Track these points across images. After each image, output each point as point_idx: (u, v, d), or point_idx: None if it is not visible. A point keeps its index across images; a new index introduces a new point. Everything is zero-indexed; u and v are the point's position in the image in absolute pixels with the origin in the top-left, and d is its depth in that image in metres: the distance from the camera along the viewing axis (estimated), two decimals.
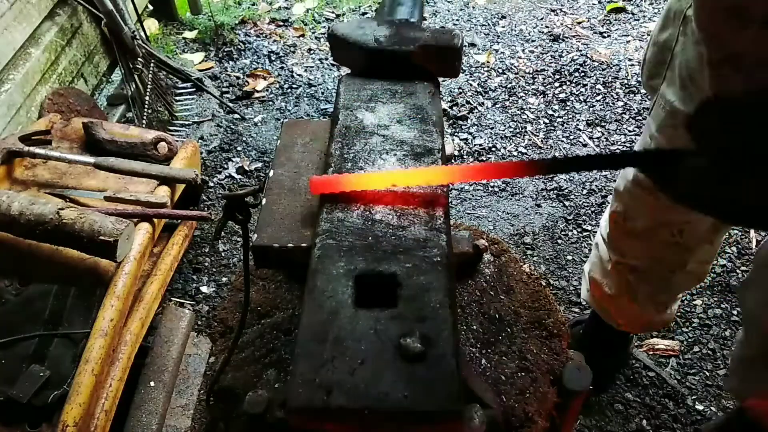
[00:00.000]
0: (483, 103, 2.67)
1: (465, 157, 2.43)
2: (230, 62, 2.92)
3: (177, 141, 1.80)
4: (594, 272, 1.54)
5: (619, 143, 2.46)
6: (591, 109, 2.62)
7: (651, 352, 1.81)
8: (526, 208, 2.25)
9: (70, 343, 1.31)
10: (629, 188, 1.33)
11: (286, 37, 3.09)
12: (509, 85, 2.75)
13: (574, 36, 3.02)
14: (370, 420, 0.57)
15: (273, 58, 2.95)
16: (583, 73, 2.79)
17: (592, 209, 2.22)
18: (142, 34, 2.46)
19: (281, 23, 3.18)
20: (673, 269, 1.39)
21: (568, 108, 2.63)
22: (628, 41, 2.97)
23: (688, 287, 1.51)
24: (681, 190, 0.63)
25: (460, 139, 2.51)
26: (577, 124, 2.55)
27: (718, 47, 0.95)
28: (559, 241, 2.13)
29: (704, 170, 0.60)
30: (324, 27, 3.15)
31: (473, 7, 3.27)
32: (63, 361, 1.28)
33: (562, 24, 3.10)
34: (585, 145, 2.46)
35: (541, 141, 2.49)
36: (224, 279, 2.02)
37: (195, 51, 2.98)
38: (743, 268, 2.00)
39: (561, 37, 3.01)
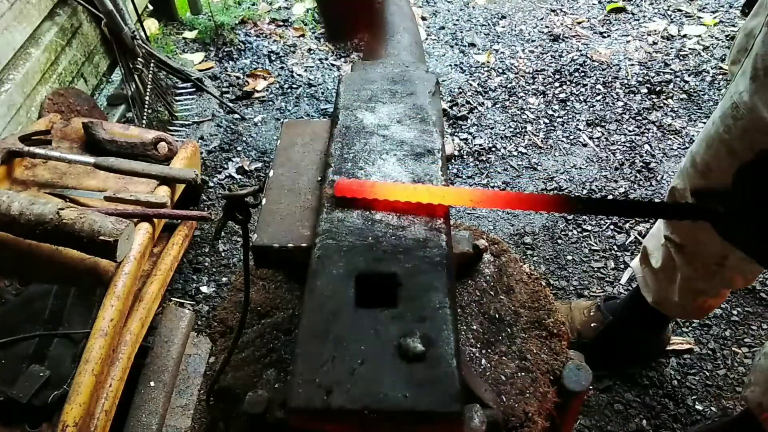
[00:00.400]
0: (483, 103, 2.67)
1: (465, 157, 2.43)
2: (230, 62, 2.92)
3: (177, 141, 1.80)
4: (649, 242, 1.56)
5: (619, 143, 2.46)
6: (591, 109, 2.62)
7: (669, 350, 1.81)
8: None
9: (70, 343, 1.31)
10: (687, 166, 1.35)
11: (286, 37, 3.09)
12: (509, 85, 2.75)
13: (574, 36, 3.02)
14: (370, 420, 0.57)
15: (273, 58, 2.95)
16: (583, 73, 2.79)
17: None
18: (142, 34, 2.46)
19: (281, 23, 3.18)
20: (717, 261, 1.38)
21: (568, 108, 2.63)
22: (628, 41, 2.97)
23: (732, 285, 1.49)
24: (723, 231, 0.69)
25: (460, 139, 2.51)
26: (577, 124, 2.55)
27: None
28: (559, 241, 2.13)
29: (743, 221, 0.66)
30: (324, 27, 3.15)
31: (473, 7, 3.27)
32: (63, 361, 1.28)
33: (562, 24, 3.10)
34: (585, 145, 2.46)
35: (541, 141, 2.49)
36: (224, 279, 2.02)
37: (195, 51, 2.98)
38: None
39: (561, 37, 3.01)
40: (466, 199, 0.74)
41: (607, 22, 3.10)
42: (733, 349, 1.81)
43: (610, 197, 2.24)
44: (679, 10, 3.14)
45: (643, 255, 1.59)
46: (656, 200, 2.24)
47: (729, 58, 1.27)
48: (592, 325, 1.72)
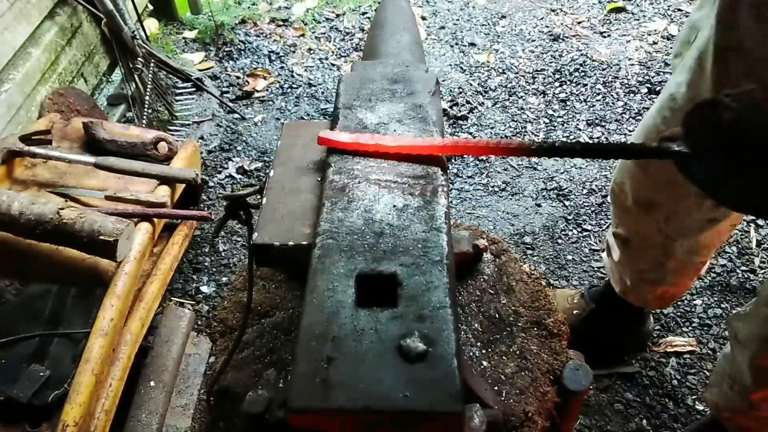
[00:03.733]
0: (483, 103, 2.67)
1: (465, 156, 2.43)
2: (230, 62, 2.92)
3: (177, 141, 1.80)
4: (608, 234, 1.59)
5: None
6: (591, 108, 2.62)
7: (669, 349, 1.81)
8: (526, 208, 2.24)
9: (70, 343, 1.31)
10: (622, 160, 1.36)
11: (286, 37, 3.09)
12: (509, 85, 2.75)
13: (574, 36, 3.02)
14: (371, 420, 0.57)
15: (273, 58, 2.95)
16: (583, 73, 2.79)
17: (592, 209, 2.22)
18: (142, 34, 2.46)
19: (281, 23, 3.18)
20: (661, 253, 1.41)
21: (568, 108, 2.63)
22: (628, 41, 2.96)
23: (686, 276, 1.51)
24: (684, 173, 0.73)
25: None
26: (577, 124, 2.55)
27: (728, 36, 0.96)
28: (559, 241, 2.13)
29: (694, 163, 0.71)
30: (324, 27, 3.15)
31: (473, 7, 3.27)
32: (63, 361, 1.28)
33: (562, 24, 3.10)
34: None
35: (542, 141, 2.49)
36: (224, 279, 2.02)
37: (195, 51, 2.98)
38: (743, 267, 2.00)
39: (561, 36, 3.01)
40: (435, 149, 0.81)
41: (607, 21, 3.10)
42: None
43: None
44: (679, 10, 3.14)
45: (607, 247, 1.62)
46: None
47: (673, 51, 1.28)
48: (575, 312, 1.75)
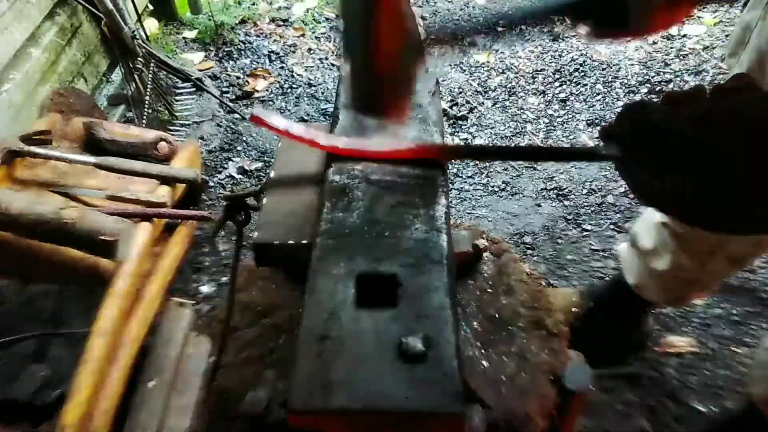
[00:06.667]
0: (483, 103, 2.67)
1: None
2: (230, 62, 2.92)
3: (177, 141, 1.80)
4: (639, 225, 1.57)
5: None
6: (591, 109, 2.62)
7: (669, 349, 1.81)
8: (526, 208, 2.24)
9: (70, 342, 1.31)
10: None
11: (286, 37, 3.09)
12: (509, 85, 2.75)
13: (574, 35, 3.02)
14: (371, 420, 0.57)
15: (273, 58, 2.95)
16: (583, 73, 2.79)
17: (592, 209, 2.22)
18: (142, 33, 2.46)
19: (281, 23, 3.18)
20: (710, 249, 1.39)
21: (568, 108, 2.63)
22: (628, 41, 2.96)
23: (724, 274, 1.50)
24: (621, 175, 0.73)
25: (460, 139, 2.51)
26: (577, 124, 2.55)
27: None
28: (559, 241, 2.13)
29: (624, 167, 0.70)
30: (324, 27, 3.15)
31: (473, 7, 3.27)
32: (63, 361, 1.28)
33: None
34: (585, 145, 2.46)
35: (541, 141, 2.49)
36: (224, 279, 2.02)
37: (195, 51, 2.98)
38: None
39: (561, 36, 3.01)
40: (338, 149, 0.80)
41: None
42: (733, 349, 1.81)
43: (610, 197, 2.25)
44: None
45: (632, 238, 1.60)
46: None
47: (726, 51, 1.29)
48: (572, 309, 1.74)
